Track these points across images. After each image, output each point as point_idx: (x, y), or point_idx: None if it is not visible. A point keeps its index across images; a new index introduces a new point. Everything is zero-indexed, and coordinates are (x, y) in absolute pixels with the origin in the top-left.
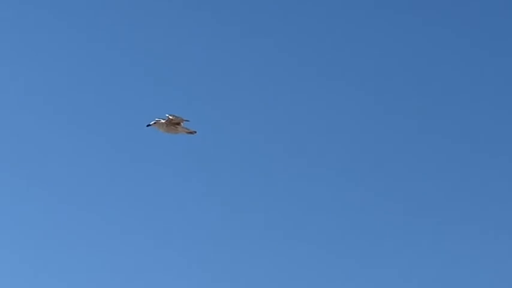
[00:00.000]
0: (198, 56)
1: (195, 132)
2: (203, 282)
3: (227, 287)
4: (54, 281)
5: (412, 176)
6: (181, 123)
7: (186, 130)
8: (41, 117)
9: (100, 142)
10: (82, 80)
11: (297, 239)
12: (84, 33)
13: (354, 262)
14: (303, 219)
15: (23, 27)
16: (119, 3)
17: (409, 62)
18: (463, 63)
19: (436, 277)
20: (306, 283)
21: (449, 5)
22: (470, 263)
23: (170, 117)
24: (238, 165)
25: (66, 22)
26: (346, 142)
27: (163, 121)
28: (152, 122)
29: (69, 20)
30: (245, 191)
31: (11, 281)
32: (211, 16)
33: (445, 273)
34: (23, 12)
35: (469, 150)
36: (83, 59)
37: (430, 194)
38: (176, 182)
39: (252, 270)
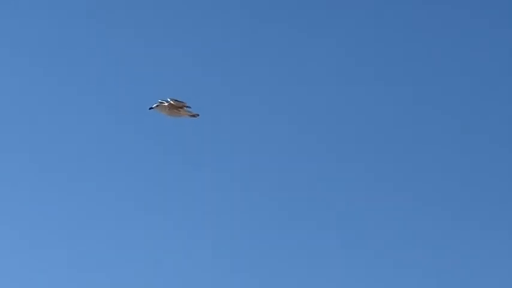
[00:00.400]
0: (198, 47)
1: (198, 115)
2: (208, 270)
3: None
4: (59, 280)
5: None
6: (184, 107)
7: (189, 113)
8: (42, 113)
9: (101, 129)
10: (86, 69)
11: (305, 224)
12: (84, 24)
13: (357, 258)
14: (311, 202)
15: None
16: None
17: (409, 60)
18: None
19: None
20: (307, 272)
21: None
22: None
23: (172, 102)
24: (242, 153)
25: (66, 18)
26: (351, 130)
27: (166, 104)
28: (155, 105)
29: (69, 15)
30: (250, 176)
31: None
32: (213, 10)
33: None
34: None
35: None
36: (85, 53)
37: (432, 191)
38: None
39: (259, 255)
